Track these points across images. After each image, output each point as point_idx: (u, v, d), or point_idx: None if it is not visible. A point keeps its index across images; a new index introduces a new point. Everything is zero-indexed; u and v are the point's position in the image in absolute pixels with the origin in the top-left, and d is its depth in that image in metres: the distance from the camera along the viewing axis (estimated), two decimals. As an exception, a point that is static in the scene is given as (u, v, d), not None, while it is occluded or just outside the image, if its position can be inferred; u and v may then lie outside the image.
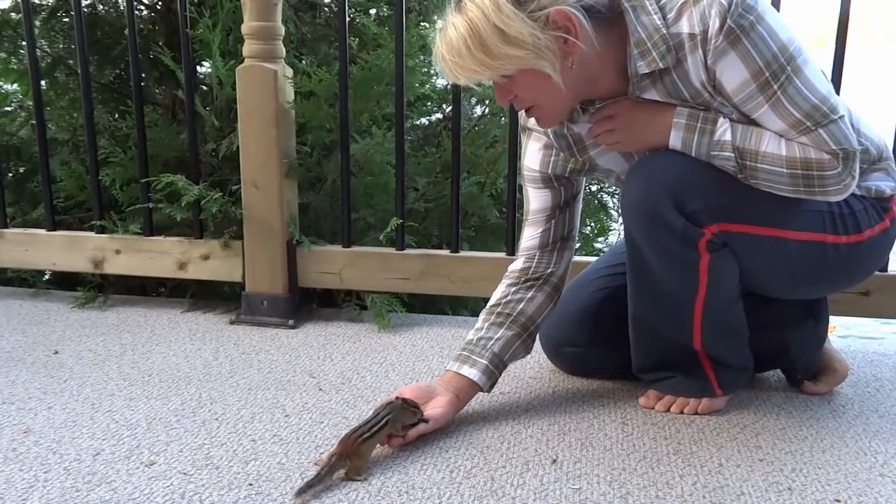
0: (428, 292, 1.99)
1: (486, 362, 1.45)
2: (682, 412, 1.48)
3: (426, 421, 1.37)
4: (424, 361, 1.75)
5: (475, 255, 1.96)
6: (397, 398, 1.33)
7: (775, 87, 1.21)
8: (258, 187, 1.94)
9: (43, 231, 2.16)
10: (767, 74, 1.20)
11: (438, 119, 2.41)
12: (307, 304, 2.09)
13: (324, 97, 1.98)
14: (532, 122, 1.47)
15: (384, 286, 1.98)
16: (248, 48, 1.88)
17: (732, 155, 1.25)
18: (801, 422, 1.45)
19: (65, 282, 2.35)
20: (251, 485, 1.23)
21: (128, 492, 1.21)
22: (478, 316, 1.53)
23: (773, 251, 1.32)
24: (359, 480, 1.24)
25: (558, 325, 1.60)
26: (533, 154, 1.50)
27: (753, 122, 1.26)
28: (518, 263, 1.54)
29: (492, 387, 1.49)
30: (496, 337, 1.48)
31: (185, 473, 1.27)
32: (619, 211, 1.35)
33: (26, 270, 2.30)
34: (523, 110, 1.37)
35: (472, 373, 1.45)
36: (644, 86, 1.29)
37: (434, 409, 1.39)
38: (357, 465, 1.25)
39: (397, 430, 1.32)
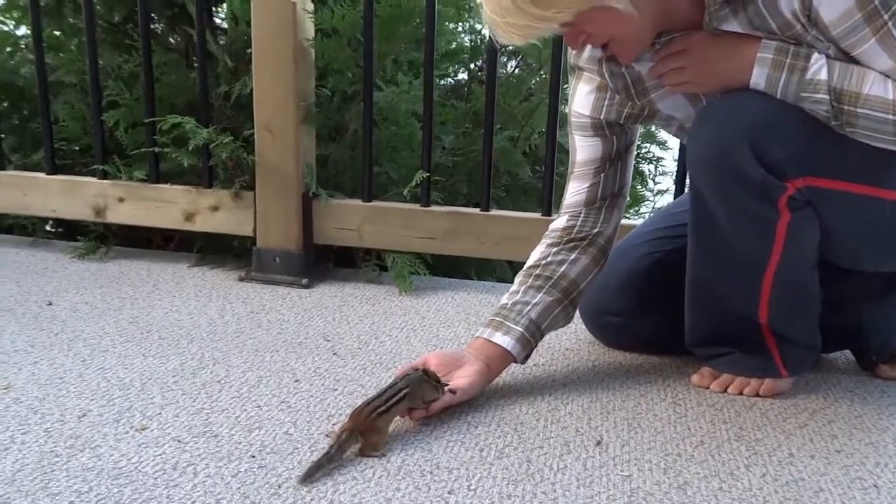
0: (455, 254, 1.83)
1: (521, 330, 1.29)
2: (740, 393, 1.31)
3: (453, 392, 1.22)
4: (449, 328, 1.59)
5: (508, 214, 1.78)
6: (417, 369, 1.18)
7: (885, 16, 1.02)
8: (272, 132, 1.78)
9: (42, 174, 2.01)
10: (877, 2, 1.01)
11: (464, 79, 2.23)
12: (323, 262, 1.93)
13: (346, 36, 1.80)
14: (584, 58, 1.29)
15: (407, 245, 1.82)
16: (265, -22, 1.71)
17: (827, 97, 1.06)
18: (880, 410, 1.28)
19: (67, 234, 2.21)
20: (253, 457, 1.08)
21: (113, 459, 1.07)
22: (509, 283, 1.37)
23: (865, 213, 1.14)
24: (375, 457, 1.09)
25: (600, 292, 1.43)
26: (583, 97, 1.32)
27: (853, 61, 1.07)
28: (561, 221, 1.37)
29: (526, 358, 1.33)
30: (534, 302, 1.31)
31: (179, 441, 1.12)
32: (677, 170, 1.19)
33: (27, 218, 2.15)
34: (575, 50, 1.19)
35: (506, 341, 1.28)
36: (723, 15, 1.10)
37: (461, 378, 1.24)
38: (373, 440, 1.10)
39: (417, 404, 1.16)
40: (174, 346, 1.46)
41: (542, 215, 1.75)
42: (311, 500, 0.99)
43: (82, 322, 1.56)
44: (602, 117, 1.31)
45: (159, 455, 1.08)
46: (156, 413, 1.20)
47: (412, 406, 1.16)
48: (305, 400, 1.26)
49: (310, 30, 1.77)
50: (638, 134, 1.38)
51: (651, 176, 2.92)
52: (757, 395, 1.30)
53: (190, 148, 1.77)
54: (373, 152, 1.82)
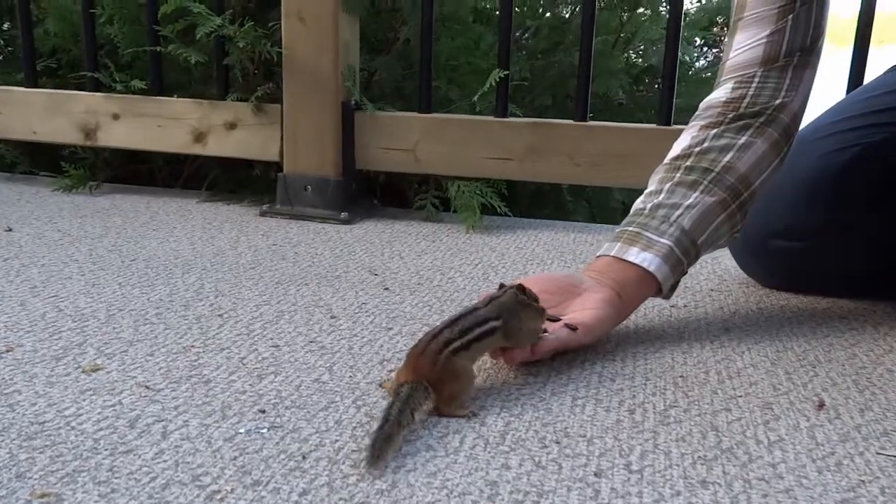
0: (539, 179, 1.39)
1: (669, 243, 0.86)
2: None
3: (573, 329, 0.79)
4: (541, 265, 1.16)
5: (612, 124, 1.35)
6: (510, 288, 0.75)
7: None
8: (304, 21, 1.37)
9: (20, 88, 1.63)
10: None
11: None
12: (366, 198, 1.52)
13: None
14: None
15: (477, 169, 1.39)
16: None
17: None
18: None
19: (53, 166, 1.81)
20: (263, 411, 0.66)
21: (35, 410, 0.65)
22: (615, 223, 0.93)
23: None
24: (461, 417, 0.67)
25: (768, 204, 0.98)
26: None
27: None
28: (722, 92, 0.93)
29: (673, 289, 0.90)
30: (687, 204, 0.88)
31: (147, 387, 0.70)
32: None
33: (5, 148, 1.76)
34: None
35: (647, 259, 0.85)
36: None
37: (583, 311, 0.81)
38: (451, 391, 0.67)
39: (516, 340, 0.73)
40: (164, 275, 1.05)
41: (660, 125, 1.31)
42: (361, 484, 0.57)
43: (45, 248, 1.16)
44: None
45: (111, 406, 0.66)
46: (119, 350, 0.79)
47: (507, 344, 0.73)
48: (347, 340, 0.84)
49: None
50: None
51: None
52: None
53: (198, 37, 1.37)
54: (432, 56, 1.41)
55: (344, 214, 1.40)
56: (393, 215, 1.47)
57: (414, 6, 1.51)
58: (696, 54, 2.08)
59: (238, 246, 1.22)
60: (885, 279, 0.98)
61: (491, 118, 1.38)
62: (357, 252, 1.21)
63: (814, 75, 0.93)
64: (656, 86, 1.87)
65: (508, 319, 0.71)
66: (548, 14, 1.60)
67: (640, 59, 1.72)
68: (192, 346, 0.81)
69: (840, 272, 1.02)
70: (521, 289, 0.74)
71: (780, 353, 0.84)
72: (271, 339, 0.84)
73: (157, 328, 0.85)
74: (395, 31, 1.62)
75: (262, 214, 1.44)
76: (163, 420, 0.65)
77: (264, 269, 1.10)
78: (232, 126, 1.49)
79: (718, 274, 1.13)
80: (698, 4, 2.07)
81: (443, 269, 1.13)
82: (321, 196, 1.43)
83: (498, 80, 1.35)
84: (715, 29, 2.12)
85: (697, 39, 2.08)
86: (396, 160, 1.43)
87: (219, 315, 0.90)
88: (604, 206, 1.77)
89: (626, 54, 1.64)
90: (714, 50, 2.32)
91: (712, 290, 1.07)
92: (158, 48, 1.48)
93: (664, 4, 1.71)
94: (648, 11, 1.69)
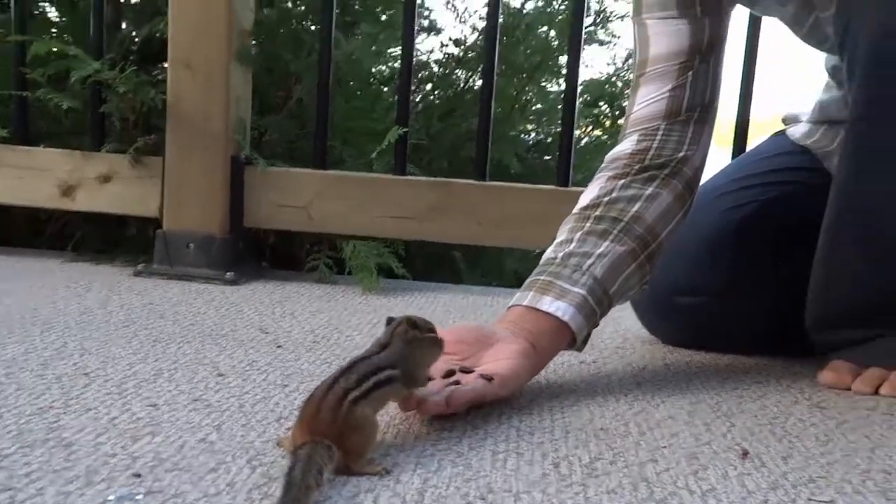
0: (439, 239, 1.35)
1: (582, 292, 0.83)
2: (899, 394, 0.88)
3: (489, 378, 0.73)
4: (443, 326, 1.11)
5: (514, 185, 1.34)
6: (401, 323, 0.68)
7: None
8: (193, 69, 1.30)
9: None
10: None
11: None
12: (254, 259, 1.42)
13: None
14: None
15: (376, 228, 1.34)
16: None
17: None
18: None
19: None
20: (138, 476, 0.56)
21: None
22: (516, 288, 0.91)
23: None
24: (373, 474, 0.59)
25: (670, 262, 0.98)
26: (662, -42, 0.92)
27: None
28: (627, 144, 0.93)
29: (586, 340, 0.87)
30: (598, 253, 0.86)
31: (-8, 451, 0.59)
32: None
33: None
34: None
35: (560, 308, 0.82)
36: None
37: (498, 362, 0.76)
38: (358, 443, 0.59)
39: (416, 382, 0.67)
40: (18, 333, 0.92)
41: (559, 185, 1.31)
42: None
43: None
44: (693, -16, 0.91)
45: (-57, 474, 0.54)
46: (-42, 412, 0.66)
47: (408, 391, 0.66)
48: (237, 398, 0.74)
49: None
50: (730, 25, 0.98)
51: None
52: (926, 397, 0.87)
53: (72, 81, 1.26)
54: (329, 111, 1.36)
55: (230, 274, 1.31)
56: (283, 277, 1.39)
57: (309, 65, 1.47)
58: (582, 130, 2.14)
59: (108, 305, 1.10)
60: (785, 336, 0.99)
61: (390, 176, 1.34)
62: (245, 311, 1.12)
63: (711, 132, 0.96)
64: (546, 157, 1.91)
65: (403, 365, 0.65)
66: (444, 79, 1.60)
67: (536, 129, 1.76)
68: (51, 407, 0.69)
69: (744, 329, 1.02)
70: (410, 323, 0.68)
71: (695, 404, 0.82)
72: (148, 397, 0.73)
73: (7, 388, 0.73)
74: (287, 90, 1.58)
75: (137, 274, 1.32)
76: (10, 489, 0.53)
77: (139, 328, 0.98)
78: (106, 179, 1.38)
79: (621, 333, 1.12)
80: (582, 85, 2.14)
81: (339, 328, 1.05)
82: (205, 255, 1.33)
83: (397, 137, 1.32)
84: (599, 107, 2.20)
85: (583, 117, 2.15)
86: (289, 218, 1.36)
87: (84, 374, 0.79)
88: (497, 273, 1.75)
89: (521, 125, 1.66)
90: (597, 131, 2.41)
91: (617, 347, 1.05)
92: (25, 93, 1.36)
93: (559, 78, 1.76)
94: (545, 83, 1.74)
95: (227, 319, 1.06)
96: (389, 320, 0.69)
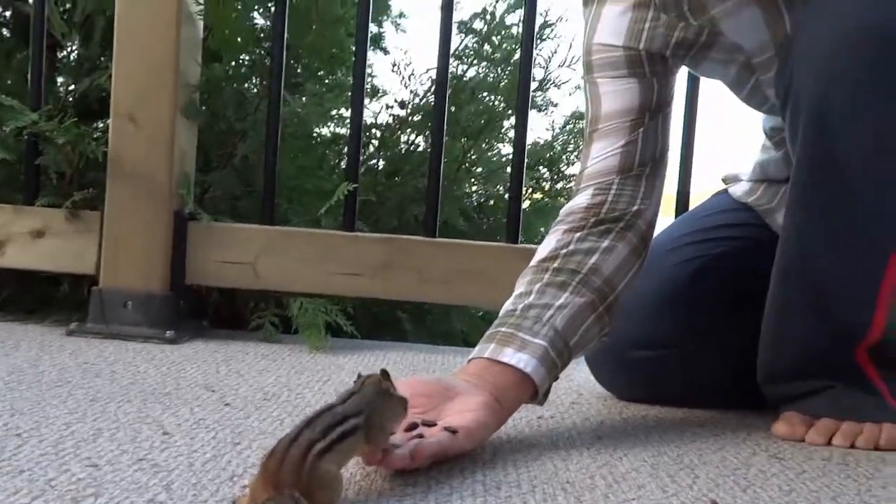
0: (389, 296, 1.33)
1: (544, 344, 0.82)
2: (851, 446, 0.89)
3: (453, 431, 0.71)
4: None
5: (463, 242, 1.34)
6: (370, 376, 0.66)
7: None
8: (137, 123, 1.27)
9: None
10: None
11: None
12: (195, 318, 1.37)
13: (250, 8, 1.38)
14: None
15: (324, 285, 1.30)
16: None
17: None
18: None
19: None
20: (82, 539, 0.51)
21: None
22: (468, 346, 0.91)
23: None
24: (339, 533, 0.55)
25: (627, 315, 0.99)
26: (613, 21, 0.95)
27: None
28: (582, 198, 0.94)
29: (547, 394, 0.86)
30: (557, 304, 0.85)
31: (-87, 517, 0.53)
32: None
33: None
34: None
35: (522, 360, 0.81)
36: None
37: (461, 415, 0.74)
38: (325, 500, 0.56)
39: (381, 435, 0.64)
40: (-59, 394, 0.85)
41: (509, 242, 1.32)
42: None
43: None
44: (642, 47, 0.94)
45: None
46: None
47: (367, 446, 0.64)
48: (185, 457, 0.70)
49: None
50: (675, 86, 1.02)
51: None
52: (876, 447, 0.89)
53: (7, 131, 1.22)
54: (276, 165, 1.35)
55: (170, 333, 1.25)
56: (226, 336, 1.34)
57: (254, 123, 1.46)
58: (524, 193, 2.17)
59: (39, 364, 1.03)
60: (741, 389, 1.00)
61: (340, 232, 1.33)
62: (188, 370, 1.06)
63: (662, 186, 0.98)
64: (491, 219, 1.93)
65: (370, 415, 0.62)
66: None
67: (479, 191, 1.77)
68: (-20, 469, 0.63)
69: (701, 381, 1.03)
70: (385, 374, 0.66)
71: (657, 457, 0.81)
72: (88, 457, 0.68)
73: (-70, 450, 0.67)
74: (232, 147, 1.55)
75: (70, 334, 1.25)
76: (-65, 557, 0.48)
77: (74, 387, 0.92)
78: (39, 234, 1.32)
79: (575, 388, 1.11)
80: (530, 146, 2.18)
81: (289, 386, 1.01)
82: (144, 313, 1.27)
83: (346, 193, 1.31)
84: (538, 170, 2.24)
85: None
86: (234, 275, 1.32)
87: (16, 435, 0.73)
88: (445, 333, 1.73)
89: (466, 185, 1.67)
90: (537, 194, 2.45)
91: (573, 402, 1.04)
92: (-45, 144, 1.30)
93: (502, 141, 1.79)
94: (488, 147, 1.77)
95: (169, 378, 1.01)
96: (359, 376, 0.66)
